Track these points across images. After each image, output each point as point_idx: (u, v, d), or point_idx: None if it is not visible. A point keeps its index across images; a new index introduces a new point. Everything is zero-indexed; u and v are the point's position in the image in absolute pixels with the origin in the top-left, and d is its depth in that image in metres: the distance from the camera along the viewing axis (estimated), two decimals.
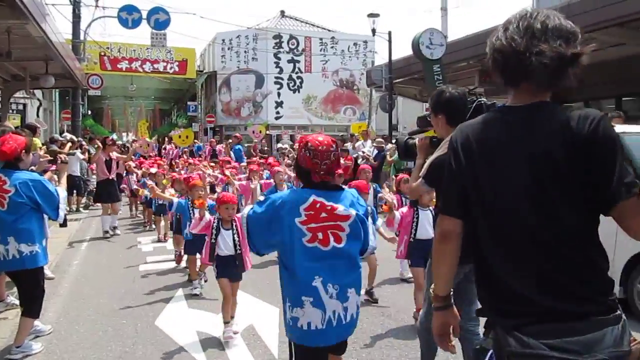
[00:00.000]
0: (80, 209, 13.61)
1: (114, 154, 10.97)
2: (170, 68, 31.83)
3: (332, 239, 2.79)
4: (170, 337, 5.02)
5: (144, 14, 19.13)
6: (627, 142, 5.79)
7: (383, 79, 19.35)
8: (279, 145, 21.04)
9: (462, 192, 1.92)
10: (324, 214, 2.77)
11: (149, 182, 8.89)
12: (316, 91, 33.18)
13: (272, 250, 3.06)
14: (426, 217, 5.28)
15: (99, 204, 11.10)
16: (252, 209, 2.92)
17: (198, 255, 6.23)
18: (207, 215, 5.24)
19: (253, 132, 20.76)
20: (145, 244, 9.59)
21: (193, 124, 33.95)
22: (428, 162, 3.31)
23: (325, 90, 33.44)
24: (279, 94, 32.74)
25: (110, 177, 10.58)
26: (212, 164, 11.60)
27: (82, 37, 20.43)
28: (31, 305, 4.59)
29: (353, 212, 2.83)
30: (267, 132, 23.06)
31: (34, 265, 4.54)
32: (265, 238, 2.87)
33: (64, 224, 9.40)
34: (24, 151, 4.57)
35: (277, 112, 32.72)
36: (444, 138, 3.20)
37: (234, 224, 4.98)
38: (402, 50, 17.88)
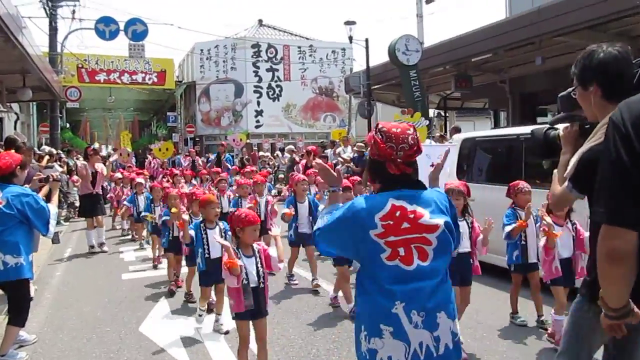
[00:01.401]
0: (61, 221, 13.53)
1: (99, 166, 10.21)
2: (149, 79, 31.81)
3: (416, 255, 2.26)
4: (154, 342, 5.08)
5: (122, 26, 19.18)
6: None
7: (361, 85, 19.54)
8: (261, 153, 21.14)
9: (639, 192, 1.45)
10: (405, 224, 2.25)
11: (183, 217, 5.84)
12: (296, 99, 33.37)
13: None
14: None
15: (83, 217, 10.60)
16: (321, 224, 2.43)
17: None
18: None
19: (234, 140, 20.82)
20: (127, 252, 9.62)
21: (173, 134, 33.89)
22: (575, 157, 2.32)
23: (305, 98, 33.66)
24: (258, 103, 32.86)
25: (95, 192, 10.02)
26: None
27: (59, 50, 20.37)
28: (17, 315, 4.65)
29: (441, 220, 2.30)
30: (248, 140, 23.10)
31: (18, 277, 4.59)
32: (341, 254, 2.60)
33: (56, 241, 9.35)
34: (19, 167, 4.72)
35: (257, 121, 32.83)
36: (597, 122, 2.26)
37: (257, 249, 3.99)
38: (380, 56, 18.14)
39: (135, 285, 7.33)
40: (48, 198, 5.09)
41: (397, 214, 2.25)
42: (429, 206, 2.31)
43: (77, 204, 12.28)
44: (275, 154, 21.23)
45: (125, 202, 10.55)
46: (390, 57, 13.94)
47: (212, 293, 5.57)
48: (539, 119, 16.17)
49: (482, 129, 17.75)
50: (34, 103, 24.89)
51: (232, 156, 17.90)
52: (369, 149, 2.39)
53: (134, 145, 31.55)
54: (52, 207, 4.82)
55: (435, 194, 2.40)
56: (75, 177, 12.92)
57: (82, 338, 5.29)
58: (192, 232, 5.31)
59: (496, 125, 20.25)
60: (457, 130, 10.86)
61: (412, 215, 2.26)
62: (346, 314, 5.73)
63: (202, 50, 32.43)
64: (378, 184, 2.38)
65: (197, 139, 32.81)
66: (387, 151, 2.27)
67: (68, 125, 31.81)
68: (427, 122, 13.68)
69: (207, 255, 5.21)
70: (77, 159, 15.75)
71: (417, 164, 2.39)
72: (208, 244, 5.23)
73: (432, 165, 7.71)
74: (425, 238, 2.27)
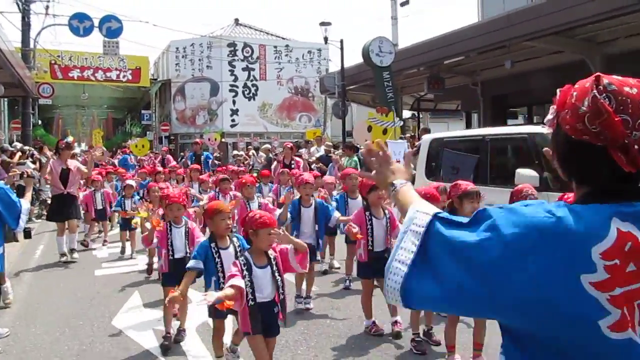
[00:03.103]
0: (33, 219, 13.44)
1: (71, 162, 8.83)
2: (124, 76, 31.56)
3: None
4: (127, 335, 5.17)
5: (96, 22, 19.06)
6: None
7: (336, 85, 19.75)
8: (235, 152, 21.17)
9: None
10: (632, 266, 1.18)
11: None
12: (271, 99, 33.44)
13: None
14: None
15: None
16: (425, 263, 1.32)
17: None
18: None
19: (209, 139, 20.82)
20: (99, 249, 9.63)
21: (147, 132, 33.67)
22: None
23: (281, 97, 33.74)
24: (234, 102, 32.84)
25: (66, 192, 8.61)
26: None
27: (31, 46, 20.14)
28: None
29: None
30: (223, 140, 23.13)
31: None
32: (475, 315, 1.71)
33: (28, 236, 8.99)
34: None
35: (233, 120, 32.81)
36: None
37: (272, 256, 3.58)
38: (355, 58, 18.32)
39: (109, 281, 7.38)
40: (21, 194, 5.14)
41: (627, 247, 1.18)
42: None
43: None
44: (250, 153, 21.29)
45: (114, 208, 9.73)
46: (364, 58, 14.16)
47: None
48: (510, 121, 16.57)
49: (455, 130, 18.10)
50: (5, 99, 24.56)
51: (212, 155, 17.80)
52: (566, 117, 1.28)
53: (107, 144, 31.29)
54: (25, 203, 4.88)
55: None
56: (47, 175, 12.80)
57: (55, 332, 5.35)
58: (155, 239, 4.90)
59: (468, 126, 20.62)
60: (426, 131, 11.12)
61: None
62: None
63: (177, 48, 32.29)
64: (581, 187, 1.32)
65: (171, 138, 32.67)
66: (619, 128, 1.20)
67: (40, 122, 31.40)
68: (401, 123, 13.93)
69: (222, 285, 3.92)
70: (48, 157, 15.62)
71: None
72: (223, 270, 4.00)
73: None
74: None
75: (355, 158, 11.10)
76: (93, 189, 10.14)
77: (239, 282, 3.30)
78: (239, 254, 3.91)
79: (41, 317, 5.83)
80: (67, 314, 5.90)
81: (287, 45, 33.88)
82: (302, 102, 34.25)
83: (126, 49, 35.37)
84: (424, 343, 4.67)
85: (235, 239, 4.27)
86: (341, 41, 20.74)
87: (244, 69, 32.90)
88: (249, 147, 22.26)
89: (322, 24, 20.64)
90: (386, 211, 5.24)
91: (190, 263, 4.11)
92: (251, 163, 19.68)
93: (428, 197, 4.50)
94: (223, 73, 32.32)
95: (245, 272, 3.41)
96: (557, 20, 10.78)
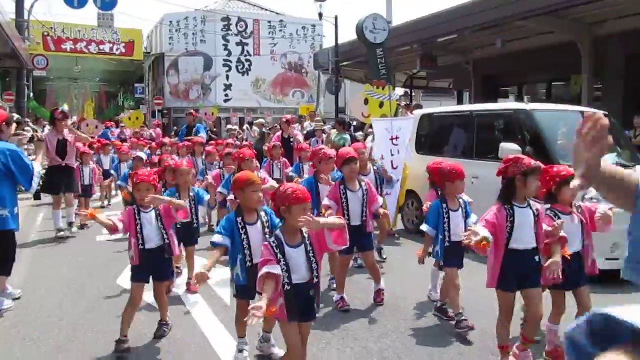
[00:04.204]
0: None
1: (70, 134, 8.33)
2: (117, 49, 31.50)
3: None
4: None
5: None
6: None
7: (330, 62, 19.92)
8: (229, 126, 21.34)
9: None
10: None
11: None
12: (265, 74, 33.49)
13: None
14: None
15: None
16: None
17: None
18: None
19: (205, 114, 20.96)
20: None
21: (141, 106, 33.65)
22: None
23: (274, 73, 33.80)
24: (227, 77, 32.88)
25: (64, 164, 8.24)
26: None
27: (26, 17, 20.08)
28: (3, 264, 4.96)
29: None
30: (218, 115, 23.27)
31: (2, 228, 4.90)
32: None
33: (38, 197, 9.21)
34: (4, 123, 4.96)
35: (226, 95, 32.88)
36: None
37: (306, 234, 3.24)
38: (349, 34, 18.45)
39: (110, 246, 7.66)
40: (34, 158, 5.38)
41: None
42: None
43: None
44: (243, 128, 21.47)
45: (120, 182, 9.00)
46: (358, 35, 14.28)
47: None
48: (500, 100, 16.86)
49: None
50: None
51: (205, 127, 17.54)
52: None
53: (99, 117, 31.29)
54: (37, 165, 5.12)
55: None
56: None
57: (61, 294, 5.62)
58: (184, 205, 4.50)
59: (460, 104, 20.89)
60: (418, 107, 11.37)
61: None
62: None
63: (171, 21, 32.19)
64: None
65: (165, 112, 32.72)
66: None
67: (32, 94, 31.33)
68: (398, 97, 14.13)
69: (249, 264, 3.67)
70: (44, 127, 15.73)
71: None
72: (250, 248, 3.65)
73: (391, 139, 8.13)
74: None
75: (347, 136, 10.96)
76: (80, 162, 9.48)
77: (275, 269, 2.98)
78: (267, 232, 3.66)
79: (46, 281, 6.11)
80: (72, 277, 6.19)
81: (281, 21, 33.84)
82: (295, 78, 34.33)
83: (119, 22, 35.12)
84: (467, 321, 4.34)
85: (263, 213, 3.79)
86: (336, 18, 20.83)
87: (237, 44, 32.88)
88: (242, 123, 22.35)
89: (317, 0, 20.69)
90: (363, 184, 5.05)
91: (216, 238, 3.65)
92: (245, 138, 19.90)
93: (456, 173, 4.41)
94: (217, 48, 32.30)
95: (279, 256, 3.09)
96: (550, 0, 11.01)
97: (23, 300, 5.42)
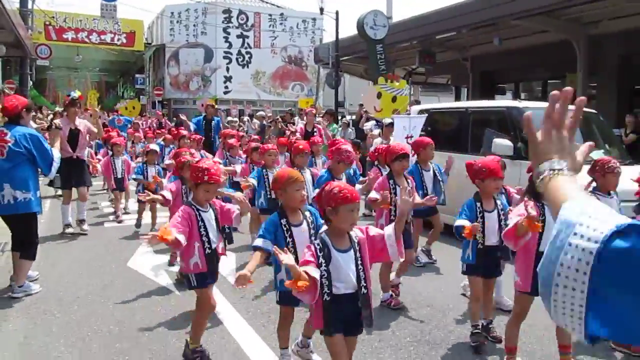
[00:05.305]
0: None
1: (80, 122, 7.76)
2: (118, 40, 31.70)
3: None
4: (143, 274, 5.81)
5: None
6: None
7: (330, 56, 20.17)
8: (229, 118, 21.57)
9: None
10: None
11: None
12: (265, 67, 33.75)
13: None
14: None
15: None
16: None
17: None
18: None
19: (202, 105, 21.16)
20: (105, 206, 10.18)
21: (140, 97, 33.89)
22: None
23: (274, 66, 34.06)
24: (227, 69, 33.13)
25: (75, 155, 7.64)
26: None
27: (30, 6, 20.30)
28: (27, 249, 5.19)
29: None
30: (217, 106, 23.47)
31: (26, 211, 5.12)
32: None
33: (56, 184, 8.77)
34: (24, 109, 5.22)
35: (226, 87, 33.14)
36: None
37: (355, 239, 2.92)
38: (350, 29, 18.71)
39: (119, 231, 7.99)
40: (51, 144, 5.65)
41: None
42: None
43: None
44: (243, 120, 21.72)
45: (134, 176, 8.55)
46: (358, 30, 14.59)
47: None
48: (497, 96, 17.18)
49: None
50: None
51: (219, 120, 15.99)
52: None
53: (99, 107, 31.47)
54: (56, 152, 5.39)
55: None
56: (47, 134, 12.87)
57: (75, 274, 5.92)
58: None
59: (457, 100, 21.18)
60: (416, 102, 11.67)
61: None
62: None
63: (172, 12, 32.39)
64: None
65: (164, 103, 32.94)
66: None
67: (32, 83, 31.49)
68: (411, 91, 14.25)
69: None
70: (47, 116, 15.97)
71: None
72: (296, 252, 3.30)
73: (407, 137, 8.24)
74: None
75: (335, 125, 11.17)
76: (112, 154, 9.05)
77: (314, 272, 2.70)
78: (312, 233, 3.42)
79: (63, 263, 6.40)
80: (84, 260, 6.49)
81: (282, 14, 34.06)
82: (295, 71, 34.59)
83: (121, 12, 35.33)
84: (482, 336, 4.09)
85: (307, 213, 3.55)
86: (337, 12, 21.08)
87: (238, 36, 33.11)
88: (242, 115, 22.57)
89: None
90: (409, 180, 5.02)
91: (258, 242, 3.35)
92: (245, 129, 20.17)
93: (486, 171, 3.93)
94: (217, 39, 32.53)
95: (321, 260, 2.78)
96: (545, 0, 11.30)
97: (40, 279, 5.70)
